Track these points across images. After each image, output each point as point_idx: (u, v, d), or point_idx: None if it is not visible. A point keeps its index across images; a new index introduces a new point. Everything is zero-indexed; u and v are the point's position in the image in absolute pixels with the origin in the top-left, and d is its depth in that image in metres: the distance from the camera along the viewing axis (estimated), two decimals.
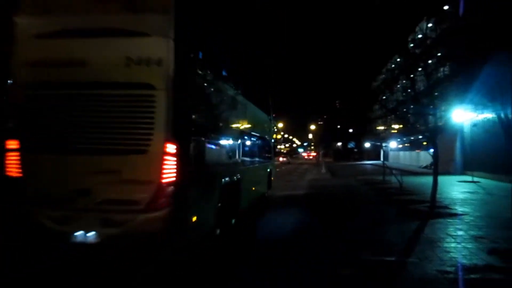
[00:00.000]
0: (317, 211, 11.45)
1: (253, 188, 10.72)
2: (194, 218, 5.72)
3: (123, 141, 5.25)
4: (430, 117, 11.38)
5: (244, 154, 9.40)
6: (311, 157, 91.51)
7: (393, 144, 47.54)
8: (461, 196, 13.93)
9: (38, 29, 5.52)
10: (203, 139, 6.26)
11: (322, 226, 9.29)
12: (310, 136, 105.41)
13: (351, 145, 72.22)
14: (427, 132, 11.29)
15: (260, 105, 11.83)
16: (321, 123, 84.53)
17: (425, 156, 31.31)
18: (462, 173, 23.60)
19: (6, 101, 5.88)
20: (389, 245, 7.26)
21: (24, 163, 5.49)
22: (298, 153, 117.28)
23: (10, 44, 5.62)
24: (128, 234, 5.15)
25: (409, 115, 13.26)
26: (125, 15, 5.33)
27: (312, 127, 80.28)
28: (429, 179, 12.67)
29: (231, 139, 8.20)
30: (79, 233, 5.22)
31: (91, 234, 5.21)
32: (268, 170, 13.85)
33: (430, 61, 11.38)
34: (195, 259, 6.08)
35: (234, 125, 8.53)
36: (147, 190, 5.10)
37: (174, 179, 5.15)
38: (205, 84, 6.46)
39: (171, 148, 5.13)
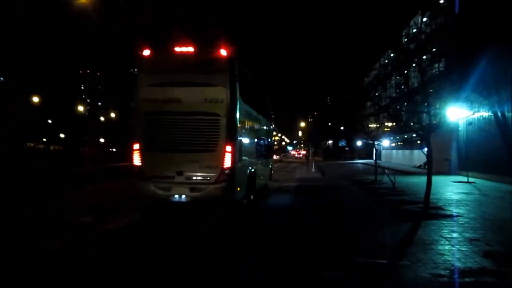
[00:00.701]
0: (306, 213, 11.55)
1: (261, 177, 14.91)
2: (238, 189, 10.19)
3: (202, 144, 9.71)
4: (424, 115, 11.47)
5: (257, 153, 13.72)
6: (300, 155, 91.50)
7: (385, 142, 47.91)
8: (455, 197, 14.10)
9: (151, 81, 10.08)
10: (241, 143, 10.63)
11: (311, 227, 9.36)
12: (300, 133, 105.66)
13: (342, 143, 72.52)
14: (420, 130, 11.39)
15: (260, 106, 15.04)
16: (311, 120, 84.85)
17: (418, 155, 31.67)
18: (457, 173, 23.89)
19: (132, 121, 10.77)
20: (380, 247, 7.34)
21: (143, 157, 9.95)
22: (287, 151, 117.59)
23: (133, 89, 10.30)
24: (204, 196, 9.53)
25: (402, 113, 13.37)
26: (203, 75, 9.81)
27: (302, 124, 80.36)
28: (422, 179, 12.80)
29: (252, 143, 12.73)
30: (176, 196, 9.70)
31: (183, 196, 9.66)
32: (269, 166, 18.32)
33: (424, 57, 11.47)
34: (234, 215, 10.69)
35: (254, 134, 13.08)
36: (215, 171, 9.56)
37: (229, 165, 9.59)
38: (243, 111, 10.79)
39: (228, 148, 9.60)
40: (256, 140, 13.62)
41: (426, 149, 11.34)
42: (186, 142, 9.83)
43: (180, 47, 10.09)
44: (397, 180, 16.28)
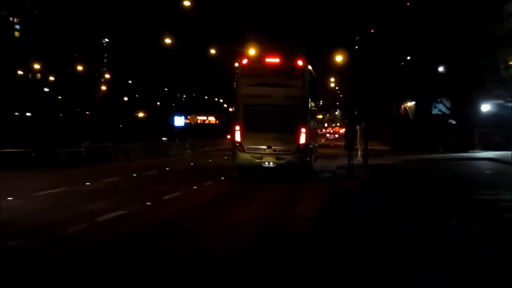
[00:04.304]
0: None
1: (314, 152, 52.41)
2: (308, 159, 48.15)
3: (284, 127, 45.39)
4: None
5: (313, 134, 54.16)
6: (336, 136, 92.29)
7: None
8: None
9: (249, 82, 46.40)
10: (310, 127, 49.53)
11: None
12: (332, 83, 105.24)
13: (440, 108, 71.04)
14: None
15: (314, 95, 51.80)
16: (359, 49, 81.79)
17: None
18: None
19: (234, 110, 49.95)
20: None
21: (242, 135, 45.91)
22: None
23: (236, 87, 47.66)
24: (286, 163, 45.07)
25: None
26: (285, 78, 46.59)
27: (338, 58, 77.53)
28: None
29: (312, 127, 52.10)
30: (266, 163, 44.71)
31: (271, 163, 44.88)
32: (317, 144, 60.94)
33: None
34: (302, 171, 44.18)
35: (313, 120, 54.92)
36: (294, 146, 45.30)
37: (304, 142, 45.86)
38: (310, 103, 49.19)
39: (302, 130, 45.79)
40: (313, 124, 46.87)
41: None
42: (273, 125, 37.83)
43: (269, 58, 41.23)
44: None
